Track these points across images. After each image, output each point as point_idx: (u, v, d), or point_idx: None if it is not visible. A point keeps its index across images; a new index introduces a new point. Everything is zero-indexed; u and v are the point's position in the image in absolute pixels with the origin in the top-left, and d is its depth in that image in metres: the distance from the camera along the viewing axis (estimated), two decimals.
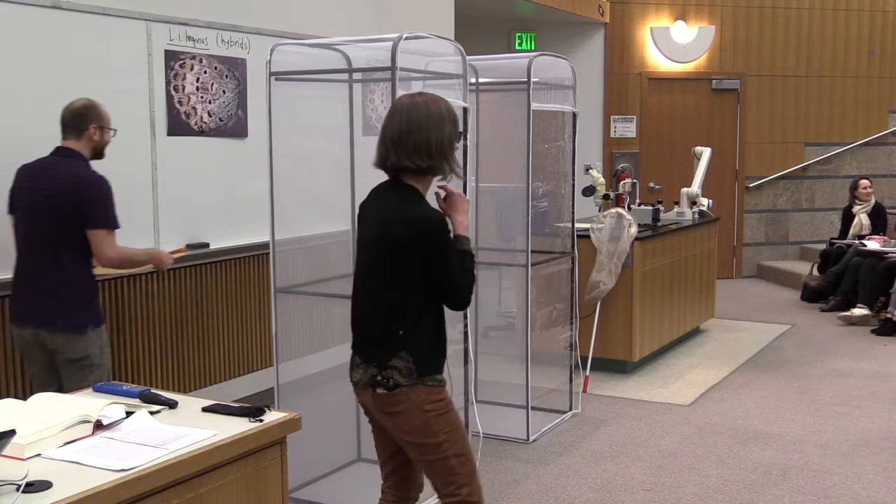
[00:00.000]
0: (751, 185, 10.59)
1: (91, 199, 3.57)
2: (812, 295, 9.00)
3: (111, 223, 3.62)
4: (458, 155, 2.94)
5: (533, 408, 5.08)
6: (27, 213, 3.68)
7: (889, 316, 7.68)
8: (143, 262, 4.01)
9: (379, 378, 2.76)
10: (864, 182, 9.23)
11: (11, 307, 3.78)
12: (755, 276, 10.72)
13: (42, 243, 3.61)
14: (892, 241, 8.49)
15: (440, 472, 2.85)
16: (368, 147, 4.61)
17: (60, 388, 3.58)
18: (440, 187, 2.89)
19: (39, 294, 3.64)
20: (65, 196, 3.56)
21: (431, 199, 2.87)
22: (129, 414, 2.41)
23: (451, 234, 2.80)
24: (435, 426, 2.78)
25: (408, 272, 2.73)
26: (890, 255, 8.06)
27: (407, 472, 3.02)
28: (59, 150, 3.68)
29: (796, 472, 4.60)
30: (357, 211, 3.01)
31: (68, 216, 3.56)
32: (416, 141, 2.72)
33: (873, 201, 9.16)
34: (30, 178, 3.69)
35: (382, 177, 3.68)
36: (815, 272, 9.23)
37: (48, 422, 2.24)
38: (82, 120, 3.70)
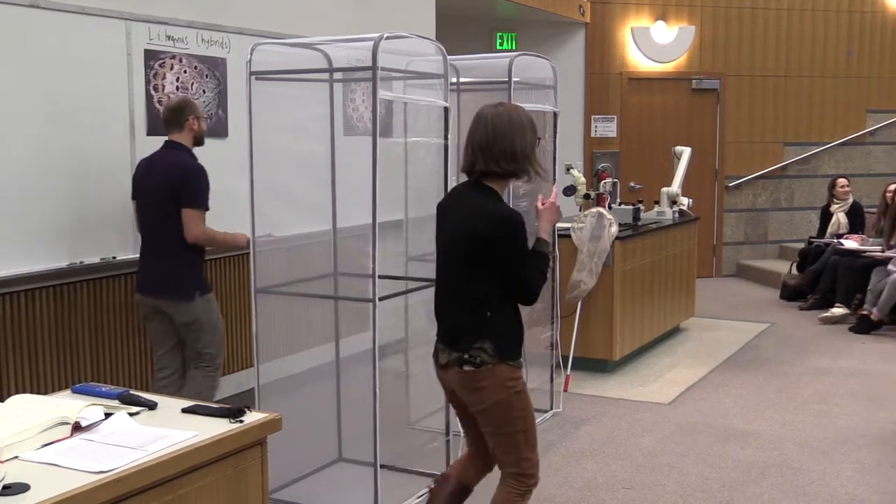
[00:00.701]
0: (730, 185, 10.65)
1: (186, 183, 4.21)
2: (791, 294, 9.06)
3: (200, 204, 4.23)
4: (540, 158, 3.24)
5: None
6: (144, 198, 4.35)
7: (866, 313, 7.74)
8: (222, 244, 4.54)
9: (466, 357, 3.05)
10: (842, 181, 9.30)
11: (137, 278, 4.47)
12: (735, 275, 10.79)
13: (156, 223, 4.27)
14: (870, 239, 8.55)
15: (508, 444, 3.15)
16: (349, 147, 4.71)
17: (177, 346, 4.44)
18: (542, 197, 3.29)
19: (155, 267, 4.32)
20: (171, 182, 4.20)
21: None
22: (108, 415, 2.40)
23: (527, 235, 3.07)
24: (514, 402, 3.08)
25: (488, 265, 3.02)
26: (867, 253, 8.13)
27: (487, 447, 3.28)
28: (167, 144, 4.34)
29: (775, 470, 4.63)
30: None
31: (173, 199, 4.20)
32: (502, 147, 3.03)
33: (851, 200, 9.23)
34: (146, 168, 4.35)
35: (361, 177, 3.70)
36: (794, 271, 9.30)
37: (26, 423, 2.22)
38: (181, 114, 4.32)
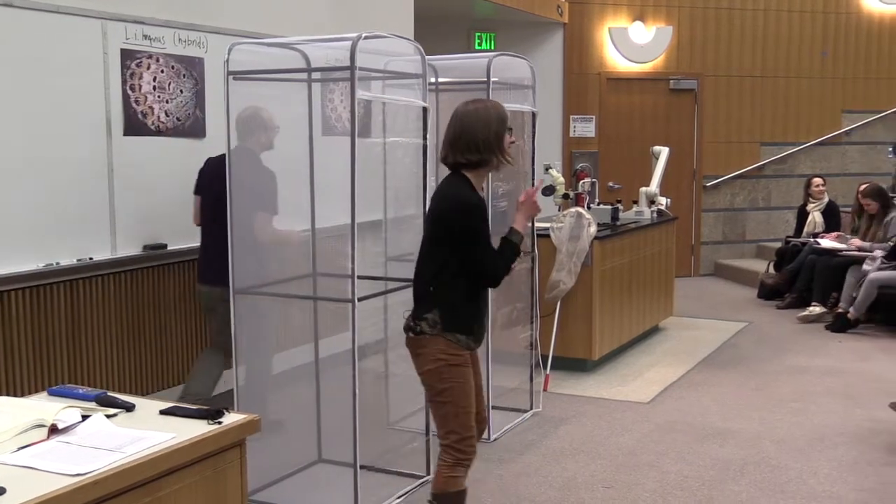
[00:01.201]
0: (708, 185, 10.70)
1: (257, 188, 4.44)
2: (768, 292, 9.11)
3: (268, 208, 4.42)
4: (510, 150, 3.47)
5: (494, 407, 5.06)
6: (211, 196, 4.56)
7: (841, 311, 7.80)
8: (286, 243, 4.66)
9: (412, 324, 3.33)
10: (817, 180, 9.36)
11: (199, 269, 4.77)
12: (713, 274, 10.83)
13: (223, 220, 4.26)
14: (846, 238, 8.61)
15: (439, 416, 3.35)
16: (328, 146, 4.69)
17: None
18: (526, 192, 3.52)
19: (216, 258, 4.39)
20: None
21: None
22: (85, 417, 2.37)
23: (484, 217, 3.31)
24: (444, 374, 3.28)
25: (445, 244, 3.28)
26: (843, 252, 8.19)
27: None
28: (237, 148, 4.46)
29: (754, 468, 4.64)
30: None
31: None
32: (466, 140, 3.30)
33: (826, 199, 9.30)
34: (216, 167, 4.50)
35: (340, 178, 3.70)
36: (772, 270, 9.35)
37: (1, 426, 2.20)
38: (251, 124, 4.47)
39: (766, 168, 10.82)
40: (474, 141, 3.30)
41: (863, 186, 8.58)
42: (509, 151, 3.40)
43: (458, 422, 3.33)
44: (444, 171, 5.26)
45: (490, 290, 3.48)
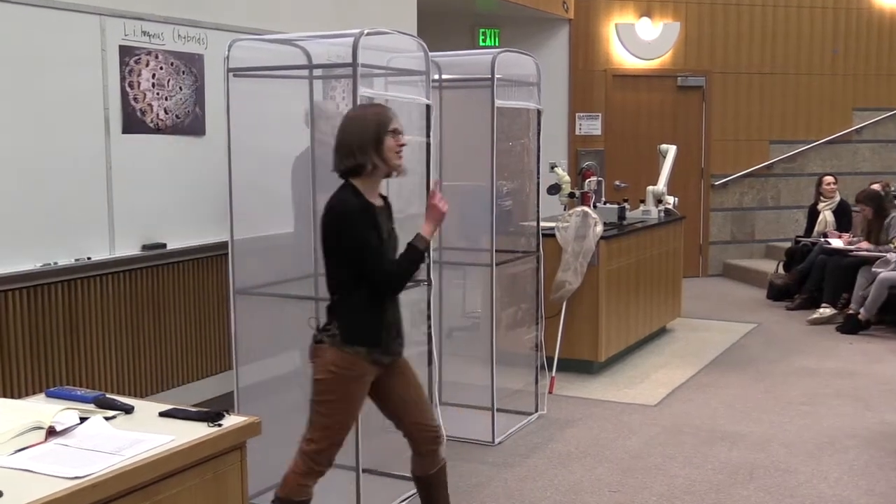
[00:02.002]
0: (716, 183, 10.62)
1: None
2: (778, 293, 9.04)
3: None
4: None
5: (498, 409, 5.04)
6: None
7: (852, 312, 7.72)
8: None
9: (315, 333, 3.33)
10: (829, 178, 9.28)
11: None
12: (721, 274, 10.76)
13: None
14: (856, 238, 8.53)
15: (312, 421, 3.32)
16: (330, 145, 4.60)
17: None
18: (429, 197, 3.43)
19: None
20: None
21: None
22: (83, 420, 2.37)
23: (372, 223, 3.23)
24: (332, 386, 3.24)
25: (334, 253, 3.26)
26: (854, 252, 8.11)
27: (402, 427, 3.50)
28: None
29: (763, 472, 4.59)
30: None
31: None
32: (343, 147, 3.27)
33: (838, 198, 9.22)
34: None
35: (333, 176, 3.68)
36: (781, 270, 9.28)
37: None
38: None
39: (776, 166, 10.74)
40: (350, 146, 3.25)
41: (876, 185, 8.54)
42: (396, 155, 3.29)
43: (325, 435, 3.29)
44: (448, 171, 5.32)
45: (393, 281, 3.32)
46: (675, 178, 8.14)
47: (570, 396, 5.89)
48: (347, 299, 3.27)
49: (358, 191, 3.27)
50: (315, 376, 3.30)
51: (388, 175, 3.34)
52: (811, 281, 8.52)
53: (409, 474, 4.37)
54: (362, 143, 3.24)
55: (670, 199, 7.70)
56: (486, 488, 4.39)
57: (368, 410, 3.90)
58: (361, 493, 3.84)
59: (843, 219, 9.11)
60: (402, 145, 3.30)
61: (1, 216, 4.14)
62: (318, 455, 3.31)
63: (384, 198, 3.46)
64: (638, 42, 10.34)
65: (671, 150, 7.83)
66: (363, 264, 3.21)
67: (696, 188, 10.56)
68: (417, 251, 3.31)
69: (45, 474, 2.02)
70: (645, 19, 10.33)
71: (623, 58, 10.38)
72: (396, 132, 3.29)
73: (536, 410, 5.50)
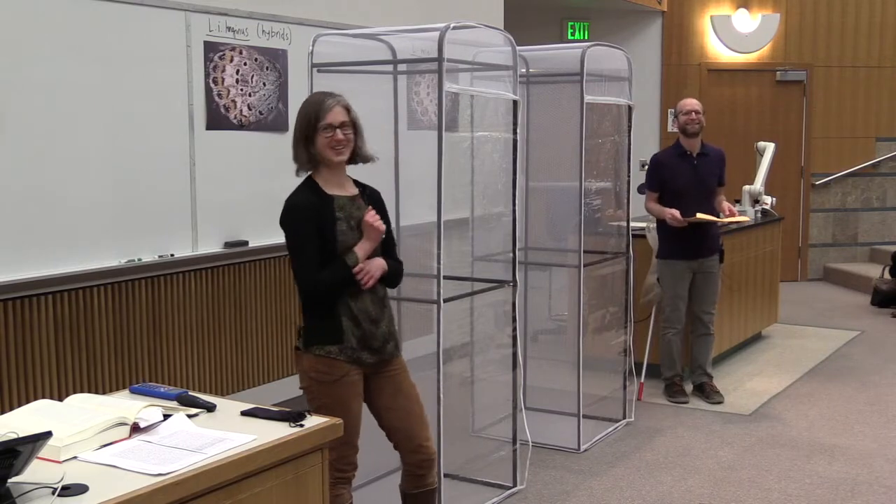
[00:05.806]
0: (817, 183, 10.27)
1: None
2: (883, 299, 8.70)
3: (648, 186, 5.62)
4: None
5: (584, 416, 4.96)
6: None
7: None
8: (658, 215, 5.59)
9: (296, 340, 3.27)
10: None
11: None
12: (821, 278, 10.41)
13: None
14: None
15: None
16: (413, 141, 4.59)
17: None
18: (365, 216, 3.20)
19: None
20: None
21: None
22: (166, 417, 2.42)
23: (328, 217, 3.13)
24: (314, 391, 3.17)
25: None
26: None
27: (389, 438, 3.38)
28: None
29: (866, 488, 4.40)
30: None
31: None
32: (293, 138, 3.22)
33: None
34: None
35: (426, 173, 3.62)
36: (887, 275, 8.93)
37: (84, 424, 2.23)
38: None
39: (882, 165, 10.32)
40: (293, 139, 3.21)
41: None
42: (332, 150, 3.12)
43: (334, 443, 3.18)
44: (534, 168, 5.25)
45: (310, 291, 3.17)
46: (773, 177, 7.93)
47: (659, 404, 5.76)
48: (309, 301, 3.20)
49: (315, 184, 3.19)
50: (300, 385, 3.24)
51: (352, 162, 3.24)
52: None
53: (492, 480, 4.34)
54: (296, 134, 3.20)
55: (768, 199, 7.50)
56: (570, 497, 4.31)
57: (450, 412, 3.87)
58: (443, 498, 3.78)
59: None
60: (339, 141, 3.12)
61: (86, 211, 4.21)
62: (336, 462, 3.14)
63: (362, 186, 3.32)
64: (735, 35, 10.08)
65: (769, 148, 7.64)
66: (293, 264, 3.16)
67: (795, 188, 10.25)
68: (347, 268, 3.12)
69: (129, 470, 2.07)
70: (742, 11, 10.05)
71: (719, 51, 10.13)
72: (330, 127, 3.11)
73: (624, 417, 5.39)
